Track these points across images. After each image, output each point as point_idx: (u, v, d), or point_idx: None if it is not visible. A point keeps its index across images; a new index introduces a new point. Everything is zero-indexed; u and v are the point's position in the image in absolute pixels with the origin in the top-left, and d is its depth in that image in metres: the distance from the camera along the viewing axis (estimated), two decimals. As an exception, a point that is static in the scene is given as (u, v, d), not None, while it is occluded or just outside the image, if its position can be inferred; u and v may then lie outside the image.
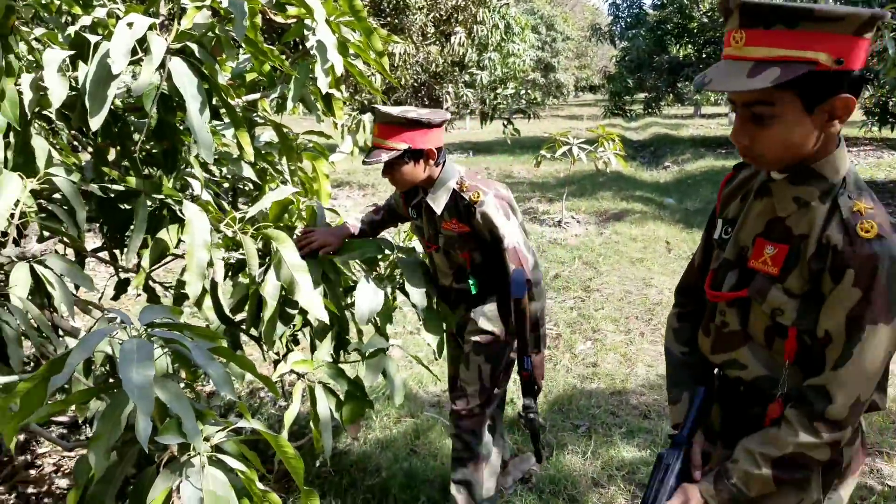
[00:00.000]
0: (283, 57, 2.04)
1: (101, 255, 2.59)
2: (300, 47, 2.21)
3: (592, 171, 9.60)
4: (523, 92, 16.75)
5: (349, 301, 2.30)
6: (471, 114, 16.10)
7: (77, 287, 2.14)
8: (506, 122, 14.73)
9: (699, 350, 1.46)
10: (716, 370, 1.44)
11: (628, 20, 20.67)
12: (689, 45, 17.50)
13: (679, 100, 20.38)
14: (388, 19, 11.72)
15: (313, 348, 2.21)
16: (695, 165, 11.95)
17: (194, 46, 1.70)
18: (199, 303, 1.75)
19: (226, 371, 1.28)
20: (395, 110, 2.10)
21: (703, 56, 16.75)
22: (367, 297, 2.07)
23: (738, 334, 1.33)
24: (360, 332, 2.38)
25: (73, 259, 2.21)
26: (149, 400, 1.09)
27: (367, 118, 3.01)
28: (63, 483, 2.74)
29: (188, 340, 1.23)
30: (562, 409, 3.41)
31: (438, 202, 2.20)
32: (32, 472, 2.82)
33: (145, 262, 1.87)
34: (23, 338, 1.67)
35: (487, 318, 2.27)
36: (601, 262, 6.08)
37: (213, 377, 1.25)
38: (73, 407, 2.60)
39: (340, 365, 1.98)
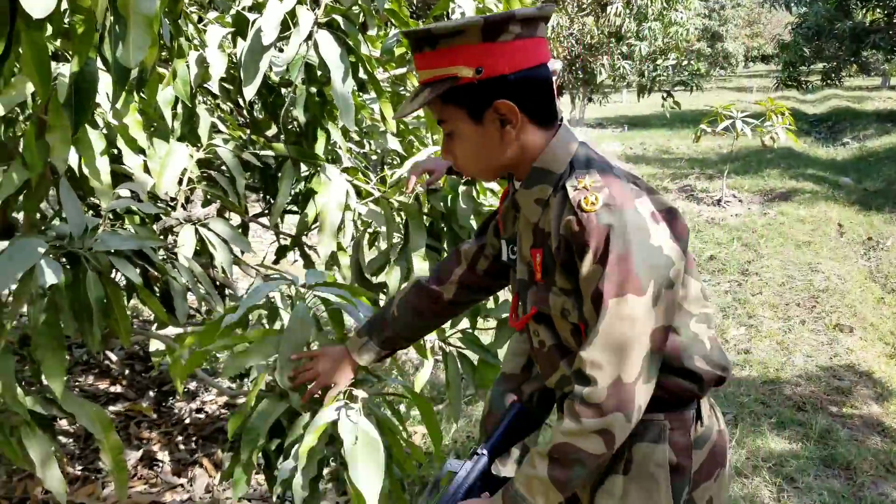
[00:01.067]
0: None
1: (262, 220, 2.79)
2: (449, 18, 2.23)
3: (758, 147, 8.96)
4: (686, 63, 15.87)
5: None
6: (627, 86, 15.54)
7: (242, 252, 2.31)
8: (665, 95, 14.06)
9: None
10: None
11: (808, -18, 18.91)
12: (878, 9, 15.68)
13: (864, 70, 18.41)
14: (544, -9, 11.53)
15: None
16: (878, 142, 10.78)
17: (340, 19, 1.77)
18: (332, 263, 1.84)
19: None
20: None
21: (895, 21, 14.97)
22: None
23: (555, 349, 1.22)
24: (496, 299, 2.39)
25: (238, 224, 2.40)
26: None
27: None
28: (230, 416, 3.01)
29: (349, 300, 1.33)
30: (708, 395, 3.25)
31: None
32: (201, 416, 3.13)
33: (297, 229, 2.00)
34: (188, 293, 1.84)
35: None
36: (762, 244, 5.68)
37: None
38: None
39: (476, 331, 2.00)
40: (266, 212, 2.81)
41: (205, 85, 1.88)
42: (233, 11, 1.95)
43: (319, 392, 1.46)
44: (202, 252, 1.88)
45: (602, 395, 1.03)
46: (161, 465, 2.71)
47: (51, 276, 1.40)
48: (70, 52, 1.54)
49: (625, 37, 12.69)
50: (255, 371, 1.58)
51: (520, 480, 1.11)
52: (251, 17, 1.78)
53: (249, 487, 2.55)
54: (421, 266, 1.78)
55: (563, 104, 16.32)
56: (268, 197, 2.44)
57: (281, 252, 2.75)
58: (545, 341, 1.23)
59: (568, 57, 12.54)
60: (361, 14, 1.90)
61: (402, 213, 1.89)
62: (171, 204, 2.04)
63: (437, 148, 2.05)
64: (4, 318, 1.51)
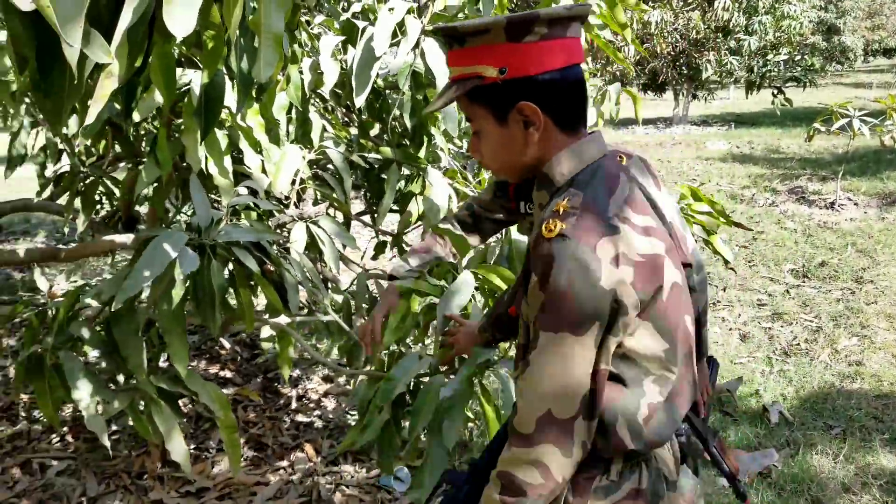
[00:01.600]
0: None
1: (363, 218, 2.90)
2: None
3: (877, 148, 8.43)
4: (798, 58, 15.08)
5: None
6: (735, 83, 14.93)
7: (344, 246, 2.43)
8: (776, 92, 13.42)
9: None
10: None
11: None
12: None
13: None
14: (648, -14, 11.26)
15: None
16: None
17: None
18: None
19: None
20: None
21: None
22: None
23: (521, 349, 1.17)
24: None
25: (341, 221, 2.52)
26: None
27: (613, 89, 2.98)
28: (330, 405, 3.15)
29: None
30: (814, 408, 3.12)
31: None
32: (304, 403, 3.29)
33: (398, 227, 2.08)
34: (299, 285, 1.96)
35: None
36: (879, 250, 5.36)
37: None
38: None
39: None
40: (367, 210, 2.92)
41: (316, 90, 1.99)
42: (342, 19, 2.05)
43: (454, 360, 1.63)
44: (311, 247, 1.99)
45: (529, 427, 1.01)
46: (266, 447, 2.87)
47: (189, 265, 1.53)
48: (196, 59, 1.67)
49: (733, 31, 12.20)
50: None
51: (483, 499, 1.10)
52: (360, 24, 1.87)
53: (347, 475, 2.67)
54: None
55: (667, 101, 15.87)
56: (368, 195, 2.55)
57: (379, 248, 2.86)
58: (520, 339, 1.19)
59: (671, 52, 12.19)
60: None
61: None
62: (285, 202, 2.17)
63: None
64: (142, 304, 1.66)
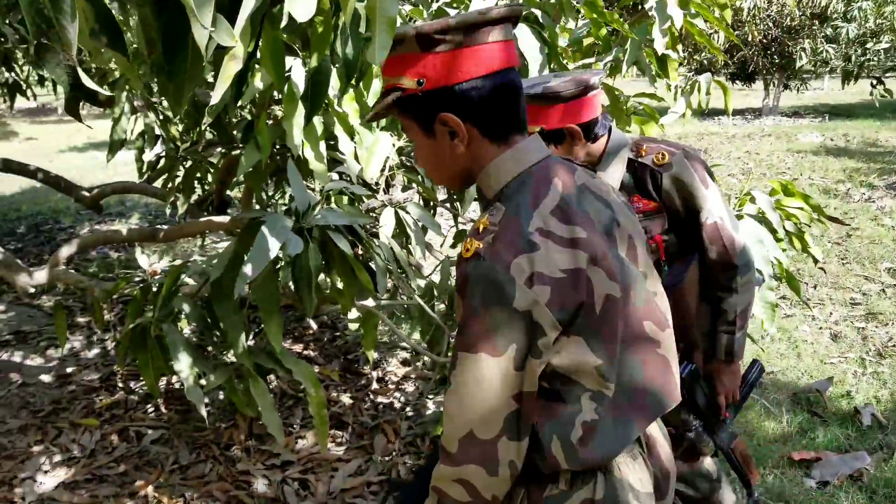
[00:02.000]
0: (621, 20, 2.08)
1: (446, 205, 2.94)
2: (639, 8, 2.22)
3: None
4: (901, 46, 14.22)
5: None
6: (830, 72, 14.22)
7: (425, 231, 2.46)
8: (874, 83, 12.70)
9: None
10: None
11: None
12: None
13: None
14: (739, -29, 10.84)
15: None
16: None
17: (538, 12, 1.83)
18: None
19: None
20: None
21: None
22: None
23: None
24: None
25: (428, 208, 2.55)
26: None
27: (704, 79, 2.90)
28: (409, 388, 3.21)
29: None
30: (913, 412, 2.97)
31: (612, 177, 1.74)
32: (383, 385, 3.36)
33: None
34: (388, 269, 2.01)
35: None
36: None
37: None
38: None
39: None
40: (451, 198, 2.95)
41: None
42: (433, 8, 2.07)
43: None
44: (399, 233, 2.04)
45: (452, 445, 1.00)
46: (346, 426, 2.95)
47: (294, 248, 1.59)
48: (295, 46, 1.72)
49: (830, 18, 11.61)
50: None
51: None
52: (451, 11, 1.88)
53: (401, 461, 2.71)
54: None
55: (756, 91, 15.28)
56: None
57: (459, 237, 2.89)
58: None
59: (763, 41, 11.72)
60: (558, 6, 1.95)
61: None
62: (375, 188, 2.22)
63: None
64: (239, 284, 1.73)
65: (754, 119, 12.98)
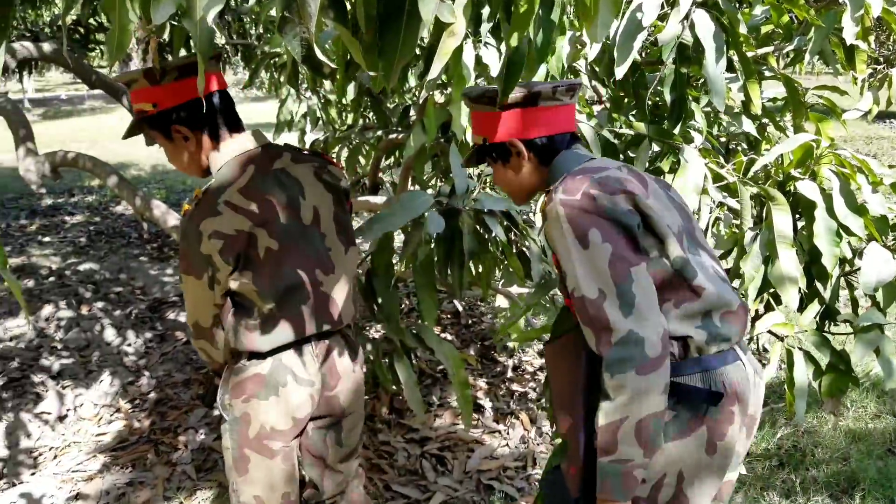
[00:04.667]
0: (807, 6, 1.94)
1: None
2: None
3: None
4: None
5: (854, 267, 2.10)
6: None
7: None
8: None
9: None
10: None
11: None
12: None
13: None
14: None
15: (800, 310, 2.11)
16: None
17: (719, -2, 1.74)
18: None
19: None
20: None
21: None
22: (875, 264, 1.84)
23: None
24: (853, 302, 2.17)
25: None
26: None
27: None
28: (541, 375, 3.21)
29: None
30: None
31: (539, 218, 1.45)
32: (519, 373, 3.37)
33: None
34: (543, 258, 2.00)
35: None
36: None
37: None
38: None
39: (825, 334, 1.86)
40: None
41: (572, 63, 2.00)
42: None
43: None
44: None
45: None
46: (482, 410, 2.99)
47: (435, 227, 1.64)
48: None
49: None
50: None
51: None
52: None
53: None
54: (787, 254, 1.70)
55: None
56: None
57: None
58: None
59: None
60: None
61: (764, 199, 1.81)
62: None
63: (813, 137, 1.90)
64: (398, 261, 1.80)
65: (936, 121, 11.72)
